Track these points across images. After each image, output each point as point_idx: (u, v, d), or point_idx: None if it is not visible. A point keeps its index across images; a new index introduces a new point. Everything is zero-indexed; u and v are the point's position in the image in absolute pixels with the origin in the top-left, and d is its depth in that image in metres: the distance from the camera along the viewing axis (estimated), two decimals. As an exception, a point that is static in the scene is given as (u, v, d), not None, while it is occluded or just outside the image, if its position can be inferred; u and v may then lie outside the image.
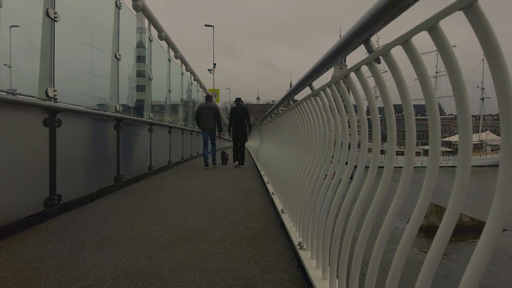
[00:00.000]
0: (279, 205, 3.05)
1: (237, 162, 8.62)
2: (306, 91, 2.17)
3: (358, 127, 1.51)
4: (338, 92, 1.55)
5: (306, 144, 2.35)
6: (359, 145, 1.42)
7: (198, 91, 13.70)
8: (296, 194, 2.38)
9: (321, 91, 1.76)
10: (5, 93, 2.93)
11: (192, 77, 11.94)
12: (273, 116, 4.32)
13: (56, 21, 3.33)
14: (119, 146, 4.96)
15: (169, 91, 8.42)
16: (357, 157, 1.51)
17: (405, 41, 0.83)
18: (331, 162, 1.83)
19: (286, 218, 2.61)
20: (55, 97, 3.30)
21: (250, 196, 4.30)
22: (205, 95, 9.49)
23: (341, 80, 1.43)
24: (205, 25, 23.92)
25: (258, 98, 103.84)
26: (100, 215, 3.36)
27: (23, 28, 3.36)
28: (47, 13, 3.24)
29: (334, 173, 1.75)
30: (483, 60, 58.92)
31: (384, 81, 1.03)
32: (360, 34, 1.00)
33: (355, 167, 1.48)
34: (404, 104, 0.93)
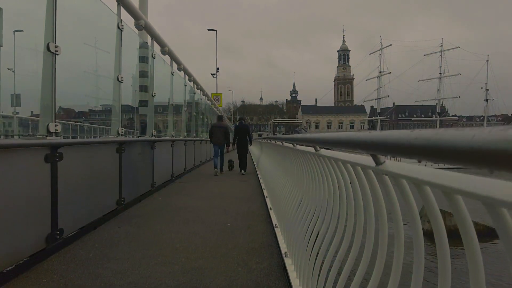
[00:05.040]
0: (282, 245, 3.01)
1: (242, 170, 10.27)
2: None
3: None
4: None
5: (310, 194, 2.31)
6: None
7: (200, 99, 13.70)
8: (299, 242, 2.33)
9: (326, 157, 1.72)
10: (7, 136, 2.92)
11: (196, 86, 11.93)
12: (276, 142, 4.28)
13: (57, 54, 3.30)
14: (121, 168, 4.94)
15: (172, 104, 8.40)
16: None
17: (418, 185, 0.78)
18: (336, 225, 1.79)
19: (289, 265, 2.57)
20: (57, 131, 3.28)
21: (253, 223, 4.27)
22: (208, 100, 9.72)
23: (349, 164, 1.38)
24: (209, 29, 23.91)
25: (261, 99, 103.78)
26: (102, 250, 3.33)
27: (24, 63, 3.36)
28: (47, 48, 3.22)
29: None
30: (487, 61, 58.60)
31: (394, 194, 0.99)
32: (367, 148, 0.96)
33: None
34: (415, 232, 0.88)
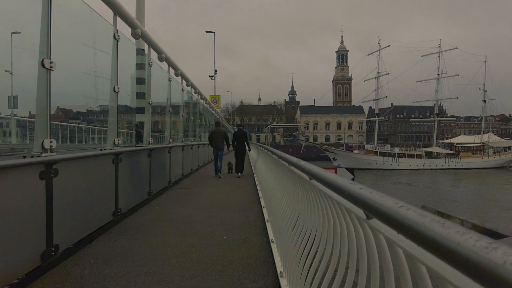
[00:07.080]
0: (278, 263, 2.99)
1: (239, 173, 11.08)
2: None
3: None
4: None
5: (306, 215, 2.30)
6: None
7: (198, 103, 13.69)
8: (295, 263, 2.33)
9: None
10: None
11: (193, 90, 11.91)
12: (272, 154, 4.27)
13: (52, 70, 3.28)
14: (117, 179, 4.92)
15: (169, 111, 8.38)
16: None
17: (412, 260, 0.77)
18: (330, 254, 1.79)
19: (284, 286, 2.56)
20: (51, 148, 3.26)
21: (250, 236, 4.25)
22: (206, 103, 9.80)
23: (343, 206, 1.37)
24: (207, 31, 23.88)
25: (259, 99, 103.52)
26: (97, 267, 3.32)
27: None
28: (42, 64, 3.19)
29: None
30: (485, 62, 58.74)
31: (389, 257, 0.97)
32: (354, 201, 0.96)
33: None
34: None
